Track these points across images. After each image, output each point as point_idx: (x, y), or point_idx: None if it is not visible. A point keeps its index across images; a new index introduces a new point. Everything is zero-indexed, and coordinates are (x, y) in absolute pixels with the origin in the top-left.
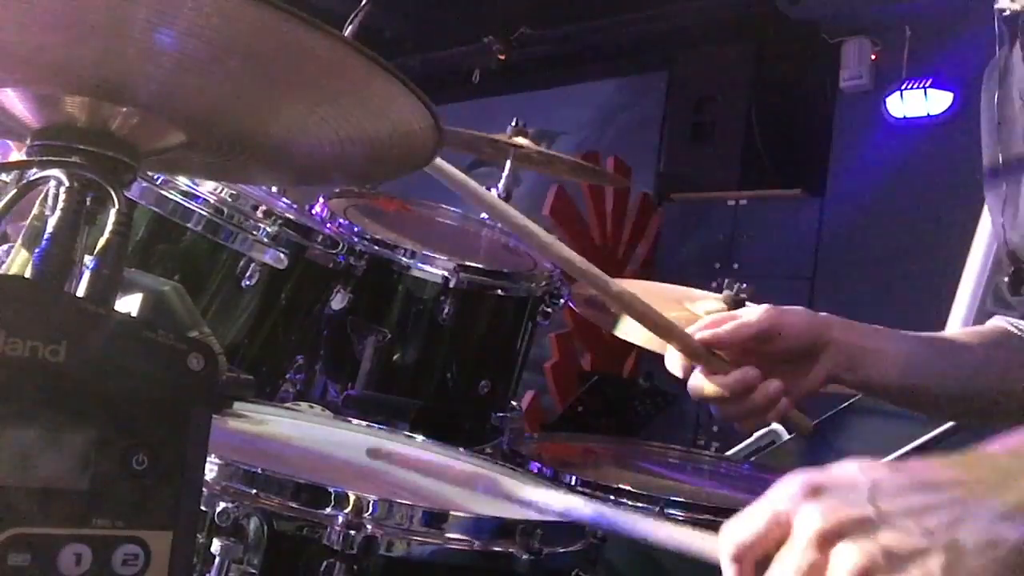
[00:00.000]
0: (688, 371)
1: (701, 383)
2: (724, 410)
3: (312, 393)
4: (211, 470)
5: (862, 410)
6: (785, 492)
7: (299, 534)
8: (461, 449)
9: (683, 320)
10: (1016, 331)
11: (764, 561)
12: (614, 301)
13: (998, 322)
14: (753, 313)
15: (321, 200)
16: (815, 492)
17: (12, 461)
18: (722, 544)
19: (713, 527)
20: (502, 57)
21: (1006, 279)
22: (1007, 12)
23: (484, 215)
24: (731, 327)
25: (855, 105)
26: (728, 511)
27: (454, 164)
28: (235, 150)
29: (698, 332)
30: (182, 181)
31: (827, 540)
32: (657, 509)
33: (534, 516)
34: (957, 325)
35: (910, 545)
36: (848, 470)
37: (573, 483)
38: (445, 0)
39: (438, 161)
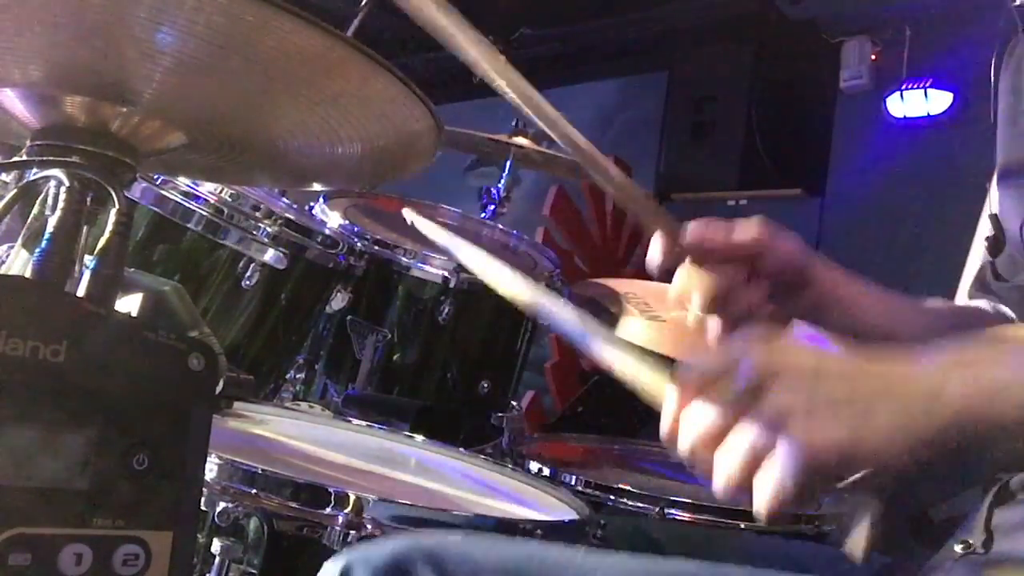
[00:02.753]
0: (669, 264)
1: (688, 278)
2: (705, 305)
3: (312, 393)
4: (211, 470)
5: None
6: (751, 337)
7: (299, 534)
8: (461, 449)
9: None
10: (993, 312)
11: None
12: (611, 185)
13: (977, 302)
14: (748, 223)
15: (321, 200)
16: (775, 339)
17: (12, 461)
18: (674, 383)
19: (713, 527)
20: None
21: (992, 265)
22: (1019, 3)
23: (484, 215)
24: (722, 232)
25: (855, 105)
26: (728, 511)
27: (454, 164)
28: (235, 150)
29: (690, 233)
30: (182, 181)
31: (765, 378)
32: (657, 509)
33: (534, 516)
34: None
35: (829, 398)
36: (818, 334)
37: (573, 483)
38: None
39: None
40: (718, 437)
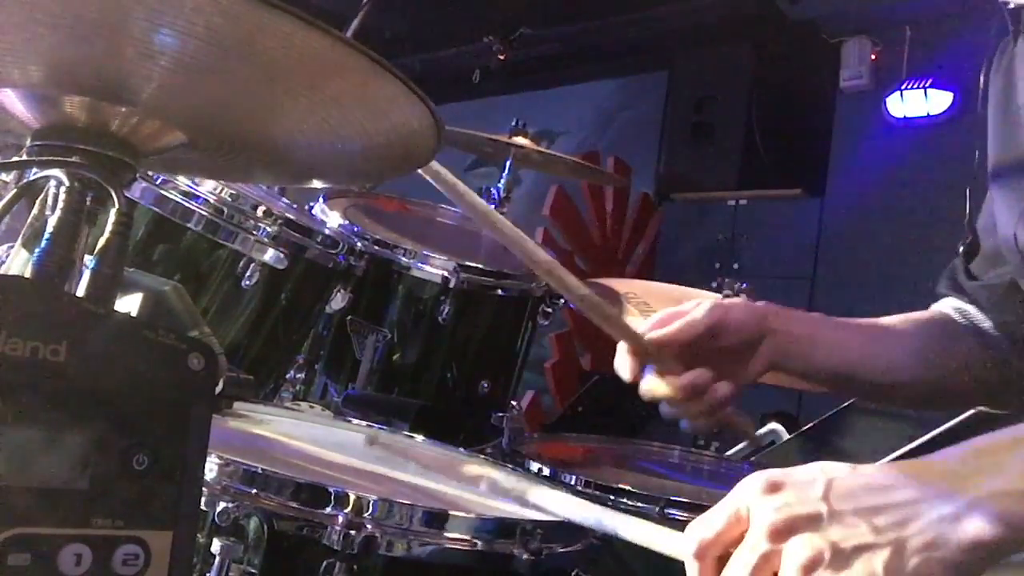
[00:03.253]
0: (636, 374)
1: (653, 385)
2: (674, 411)
3: (312, 393)
4: (211, 470)
5: (862, 410)
6: (746, 489)
7: (299, 534)
8: (461, 449)
9: None
10: (958, 317)
11: (725, 557)
12: (578, 302)
13: (942, 307)
14: (700, 310)
15: (321, 200)
16: (773, 488)
17: (12, 461)
18: (685, 542)
19: None
20: (502, 57)
21: (964, 264)
22: (1012, 5)
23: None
24: (679, 326)
25: (855, 105)
26: None
27: (455, 164)
28: (235, 150)
29: (648, 332)
30: (182, 181)
31: (779, 534)
32: (657, 509)
33: (534, 516)
34: None
35: (856, 541)
36: (808, 470)
37: (573, 483)
38: (445, 0)
39: (433, 164)
40: None
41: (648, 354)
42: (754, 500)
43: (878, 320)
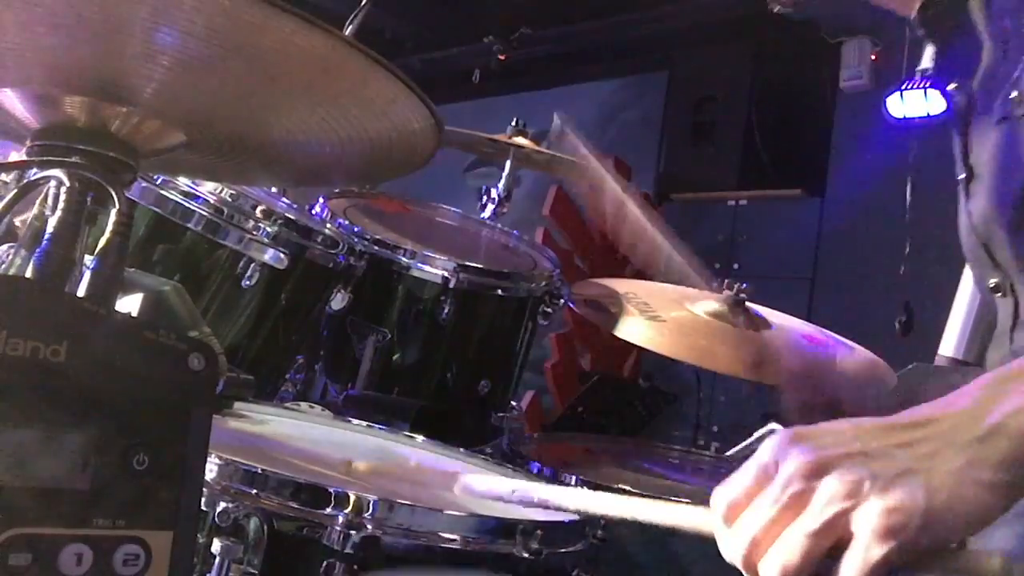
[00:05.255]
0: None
1: None
2: None
3: (312, 393)
4: (211, 470)
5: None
6: (772, 444)
7: (299, 534)
8: (461, 449)
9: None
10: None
11: None
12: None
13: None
14: None
15: (321, 200)
16: (801, 437)
17: (12, 461)
18: (714, 508)
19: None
20: (502, 57)
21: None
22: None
23: (484, 216)
24: None
25: (855, 105)
26: None
27: (454, 164)
28: (235, 150)
29: None
30: (182, 181)
31: (814, 472)
32: None
33: (534, 516)
34: (957, 325)
35: (895, 468)
36: (834, 423)
37: (573, 483)
38: (445, 0)
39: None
40: (774, 533)
41: None
42: (782, 452)
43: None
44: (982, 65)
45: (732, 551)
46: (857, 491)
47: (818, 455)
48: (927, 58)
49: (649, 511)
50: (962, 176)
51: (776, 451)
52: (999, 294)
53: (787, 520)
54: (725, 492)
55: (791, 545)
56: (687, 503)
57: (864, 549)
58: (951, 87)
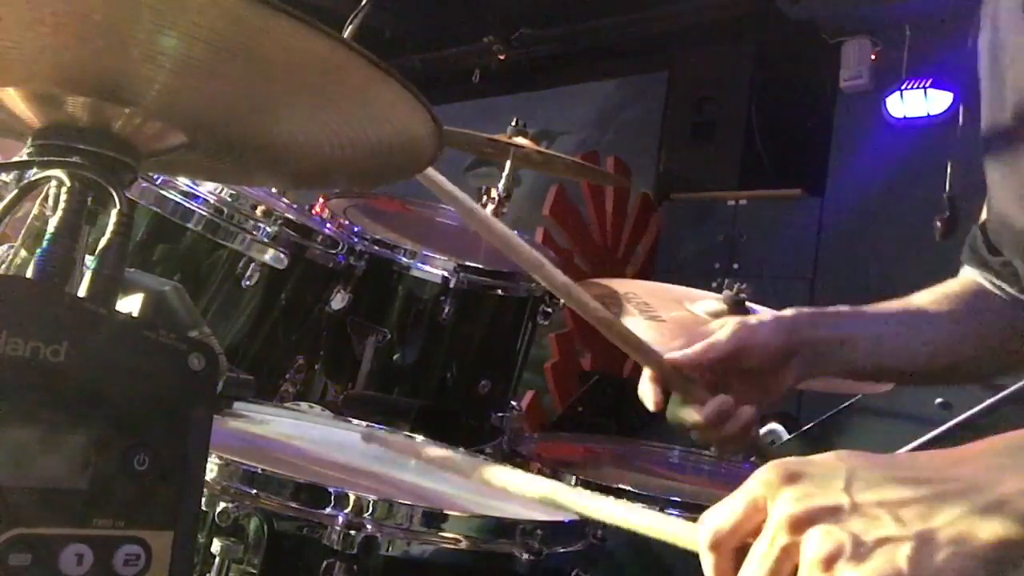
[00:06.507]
0: (660, 404)
1: (677, 411)
2: (700, 436)
3: (312, 393)
4: (211, 470)
5: (862, 410)
6: (763, 478)
7: (299, 534)
8: (461, 449)
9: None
10: (994, 289)
11: (742, 549)
12: (598, 324)
13: (971, 275)
14: (723, 332)
15: (321, 200)
16: (792, 479)
17: (12, 461)
18: (700, 533)
19: None
20: (502, 57)
21: (985, 236)
22: None
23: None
24: (700, 348)
25: (855, 105)
26: None
27: (455, 164)
28: (236, 152)
29: (668, 355)
30: (182, 181)
31: (799, 525)
32: (657, 509)
33: (534, 516)
34: None
35: (879, 533)
36: (828, 458)
37: (573, 483)
38: (445, 0)
39: (430, 172)
40: None
41: (670, 380)
42: (772, 490)
43: (911, 302)
44: None
45: None
46: (836, 556)
47: (805, 508)
48: None
49: (639, 518)
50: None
51: (768, 488)
52: None
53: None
54: (714, 520)
55: None
56: (682, 516)
57: None
58: None
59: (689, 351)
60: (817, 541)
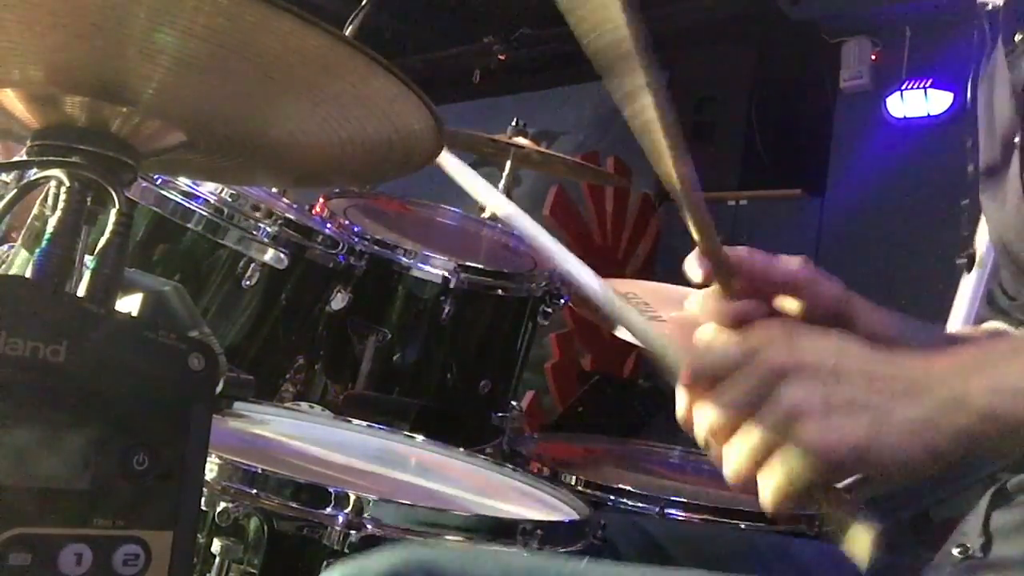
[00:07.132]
0: (709, 278)
1: (700, 301)
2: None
3: (312, 393)
4: (211, 470)
5: None
6: (767, 331)
7: (299, 534)
8: (461, 449)
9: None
10: (1013, 331)
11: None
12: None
13: (994, 325)
14: (796, 260)
15: (321, 200)
16: (789, 336)
17: (12, 461)
18: (685, 370)
19: (713, 527)
20: (502, 57)
21: (999, 284)
22: (989, 7)
23: (485, 215)
24: (768, 259)
25: (855, 105)
26: (728, 511)
27: None
28: (236, 151)
29: (733, 253)
30: (182, 181)
31: (777, 375)
32: (657, 509)
33: (534, 516)
34: (958, 326)
35: (847, 396)
36: (828, 332)
37: (573, 483)
38: (445, 0)
39: (446, 158)
40: (729, 430)
41: (720, 266)
42: (769, 341)
43: (955, 332)
44: None
45: (689, 424)
46: (806, 411)
47: (788, 359)
48: None
49: (633, 321)
50: (1017, 139)
51: (766, 339)
52: None
53: (739, 421)
54: (701, 360)
55: (739, 450)
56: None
57: (786, 460)
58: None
59: (759, 259)
60: (790, 392)
